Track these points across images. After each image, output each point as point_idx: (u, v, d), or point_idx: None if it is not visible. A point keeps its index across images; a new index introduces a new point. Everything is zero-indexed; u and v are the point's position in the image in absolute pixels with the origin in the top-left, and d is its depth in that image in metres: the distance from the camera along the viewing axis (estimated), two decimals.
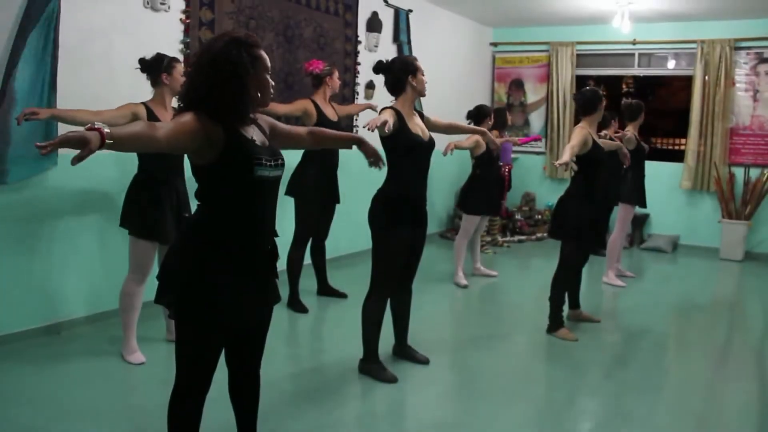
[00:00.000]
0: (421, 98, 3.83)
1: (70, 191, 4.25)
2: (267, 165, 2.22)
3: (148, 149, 2.06)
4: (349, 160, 5.42)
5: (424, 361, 4.09)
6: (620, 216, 6.30)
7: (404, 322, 4.09)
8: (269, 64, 2.27)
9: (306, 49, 6.02)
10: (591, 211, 4.63)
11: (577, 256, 4.74)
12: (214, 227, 2.21)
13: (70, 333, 4.28)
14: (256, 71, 2.20)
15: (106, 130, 1.79)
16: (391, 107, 3.68)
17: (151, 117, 3.72)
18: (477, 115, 6.12)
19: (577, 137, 4.49)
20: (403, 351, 4.13)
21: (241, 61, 2.16)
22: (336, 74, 5.09)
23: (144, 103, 3.77)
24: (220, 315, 2.21)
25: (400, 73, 3.71)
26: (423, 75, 3.75)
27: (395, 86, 3.74)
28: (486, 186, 6.03)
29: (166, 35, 4.75)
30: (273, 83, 2.28)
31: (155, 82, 3.81)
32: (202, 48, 2.27)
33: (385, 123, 3.39)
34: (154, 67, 3.80)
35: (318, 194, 5.07)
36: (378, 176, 3.72)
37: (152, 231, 3.76)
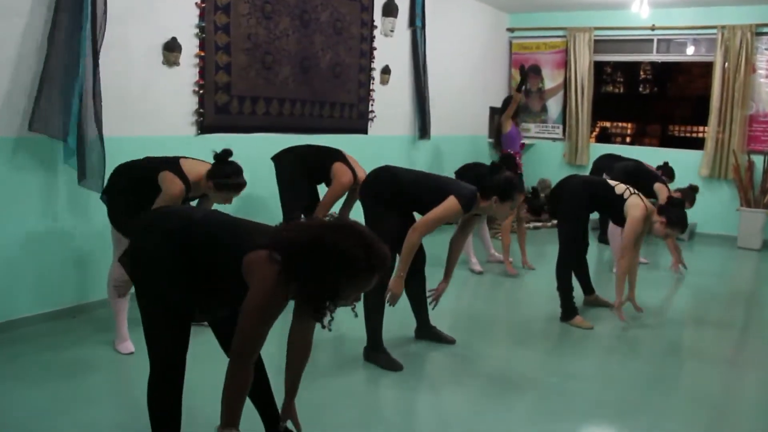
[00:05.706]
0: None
1: None
2: None
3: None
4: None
5: (451, 341, 4.09)
6: None
7: (422, 304, 4.08)
8: (367, 290, 2.24)
9: (322, 33, 5.99)
10: (587, 193, 4.67)
11: (575, 239, 4.72)
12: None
13: (88, 316, 4.31)
14: (352, 284, 2.14)
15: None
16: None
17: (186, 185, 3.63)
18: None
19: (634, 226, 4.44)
20: (428, 332, 4.13)
21: (357, 273, 2.11)
22: None
23: (185, 181, 3.63)
24: (180, 293, 2.23)
25: (494, 189, 3.67)
26: (511, 206, 3.71)
27: (484, 191, 3.72)
28: None
29: (182, 20, 4.73)
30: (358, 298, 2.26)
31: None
32: (330, 238, 2.10)
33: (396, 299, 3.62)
34: (215, 171, 3.67)
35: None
36: None
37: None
